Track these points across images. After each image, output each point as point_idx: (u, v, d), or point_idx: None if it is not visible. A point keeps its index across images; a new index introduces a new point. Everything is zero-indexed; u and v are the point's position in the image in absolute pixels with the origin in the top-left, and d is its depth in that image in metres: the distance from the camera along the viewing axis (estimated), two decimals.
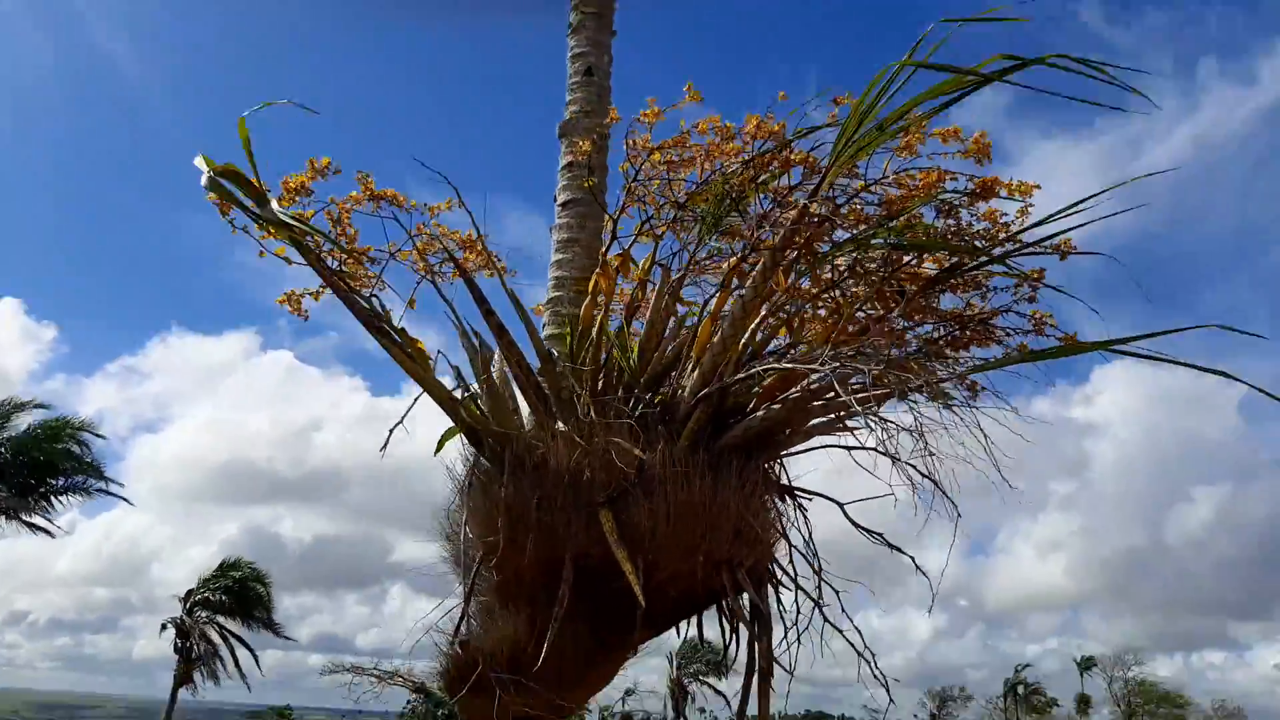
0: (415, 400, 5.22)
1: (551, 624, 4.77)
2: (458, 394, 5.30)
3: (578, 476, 4.93)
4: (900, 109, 4.36)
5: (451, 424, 5.42)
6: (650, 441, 5.02)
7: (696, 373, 5.09)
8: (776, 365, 4.89)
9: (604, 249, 5.43)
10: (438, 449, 5.61)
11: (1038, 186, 4.92)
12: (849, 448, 5.51)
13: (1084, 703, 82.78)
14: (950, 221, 5.07)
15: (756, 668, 5.13)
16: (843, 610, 5.34)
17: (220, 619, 33.81)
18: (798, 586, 5.21)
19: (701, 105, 5.13)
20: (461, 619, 5.07)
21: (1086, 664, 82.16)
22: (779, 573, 5.31)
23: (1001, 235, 5.06)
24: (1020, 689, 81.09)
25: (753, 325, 5.07)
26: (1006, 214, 5.17)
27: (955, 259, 5.22)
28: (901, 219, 4.96)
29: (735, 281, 5.27)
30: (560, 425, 5.17)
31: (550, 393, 5.26)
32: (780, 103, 5.05)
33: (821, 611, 5.30)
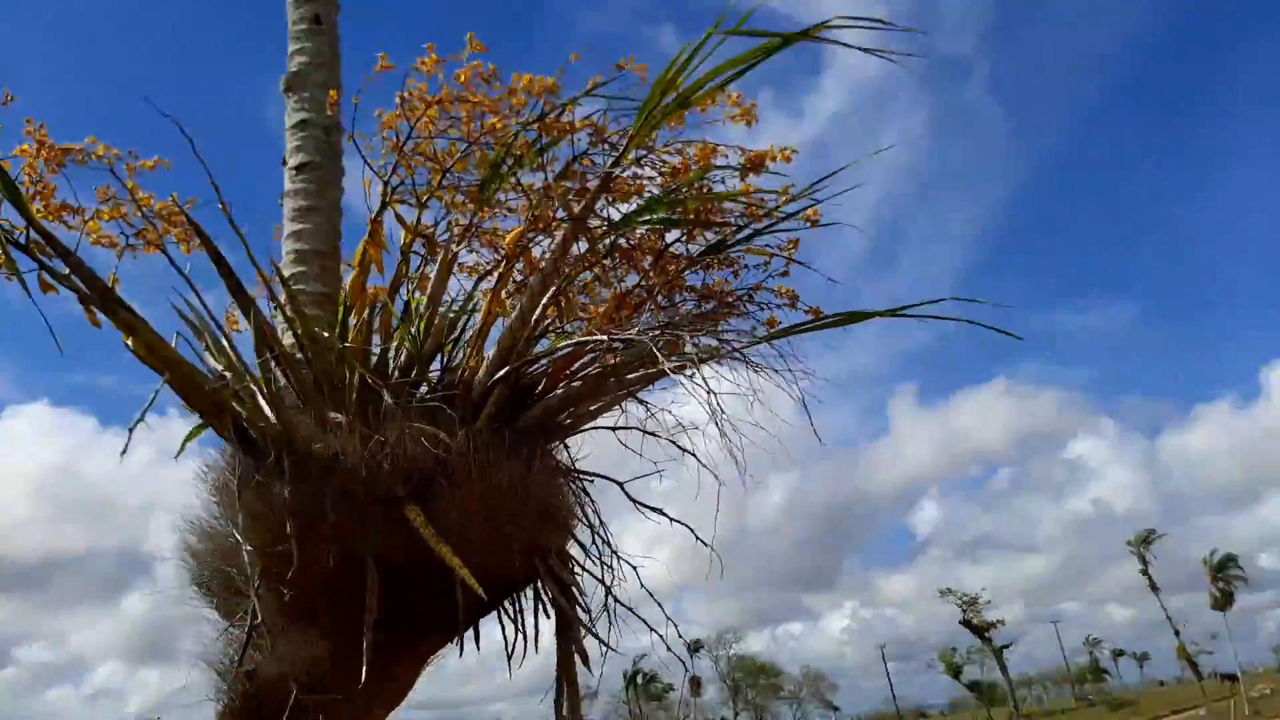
0: (155, 394, 4.32)
1: (365, 632, 4.20)
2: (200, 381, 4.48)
3: (373, 470, 4.37)
4: (703, 78, 4.35)
5: (198, 420, 4.57)
6: (445, 427, 4.59)
7: (493, 350, 4.73)
8: (587, 337, 4.67)
9: (374, 215, 4.85)
10: (180, 450, 4.70)
11: (795, 151, 5.12)
12: (617, 427, 5.47)
13: (695, 684, 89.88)
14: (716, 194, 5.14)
15: (571, 655, 4.91)
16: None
17: None
18: (605, 567, 5.02)
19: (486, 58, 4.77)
20: (245, 645, 4.29)
21: (695, 646, 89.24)
22: (579, 556, 5.09)
23: (761, 210, 5.23)
24: (639, 679, 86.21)
25: (546, 300, 4.81)
26: (762, 189, 5.35)
27: (718, 235, 5.32)
28: (685, 191, 4.96)
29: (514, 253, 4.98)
30: (338, 415, 4.56)
31: (322, 378, 4.62)
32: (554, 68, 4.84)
33: (613, 595, 5.19)
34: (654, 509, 5.46)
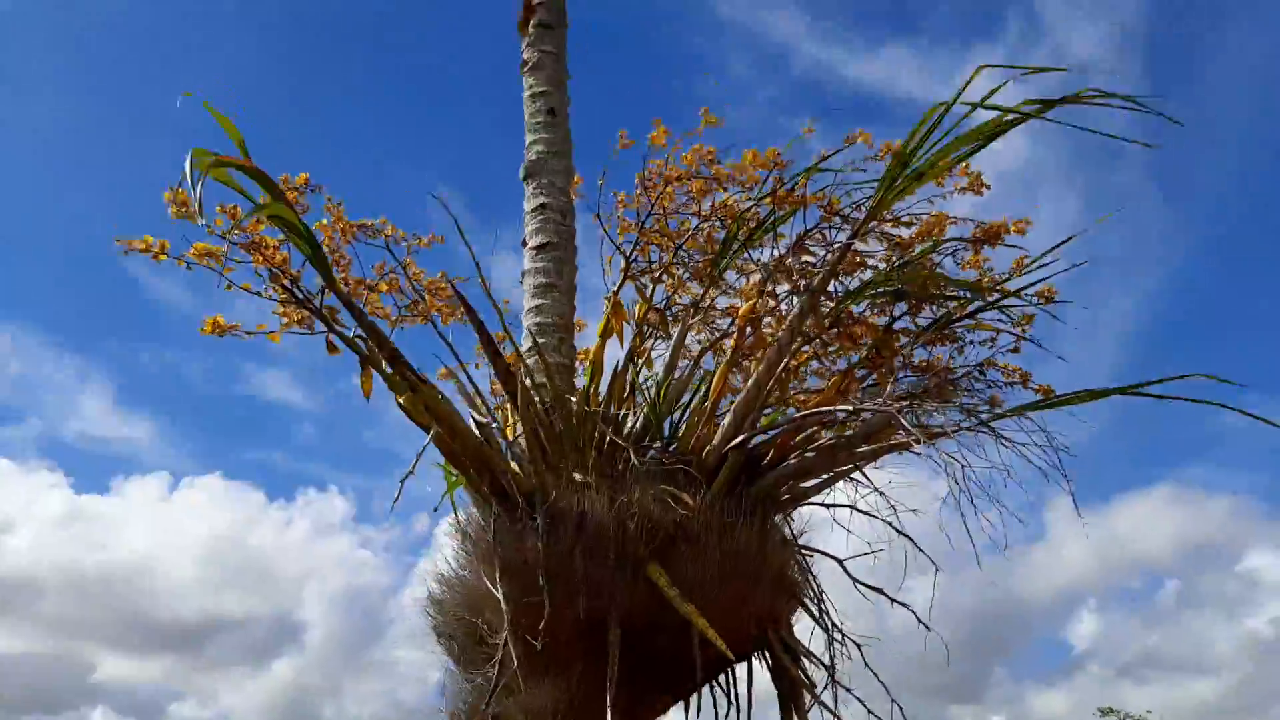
0: (422, 450, 4.64)
1: (609, 686, 4.32)
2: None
3: (619, 529, 4.56)
4: (942, 151, 4.50)
5: (454, 474, 4.87)
6: (683, 490, 4.75)
7: (727, 418, 4.90)
8: (822, 408, 4.79)
9: (616, 289, 5.15)
10: (439, 504, 4.99)
11: (1030, 223, 5.18)
12: (831, 505, 5.51)
13: None
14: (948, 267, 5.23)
15: None
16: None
17: None
18: (831, 641, 5.03)
19: (715, 131, 5.06)
20: (492, 693, 4.47)
21: None
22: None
23: (993, 283, 5.30)
24: None
25: (780, 370, 4.96)
26: (990, 260, 5.40)
27: (943, 311, 5.40)
28: (919, 264, 5.08)
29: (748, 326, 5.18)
30: (583, 475, 4.78)
31: (568, 439, 4.86)
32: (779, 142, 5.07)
33: (834, 678, 5.15)
34: (874, 588, 5.45)
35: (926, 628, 5.33)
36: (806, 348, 5.60)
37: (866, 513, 5.45)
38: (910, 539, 5.42)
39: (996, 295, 5.22)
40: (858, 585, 5.49)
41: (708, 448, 4.93)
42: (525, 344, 5.66)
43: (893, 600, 5.46)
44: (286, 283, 4.54)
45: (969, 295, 5.18)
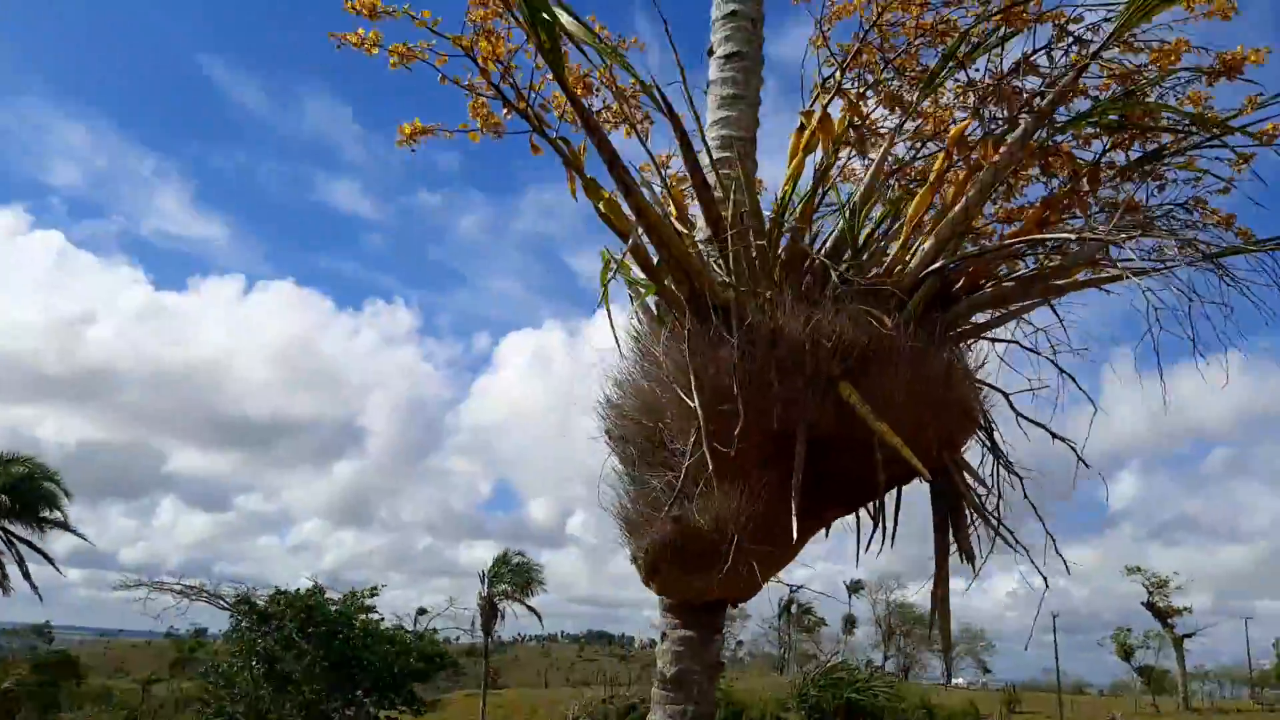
0: (623, 256, 4.64)
1: (794, 496, 4.44)
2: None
3: (815, 345, 4.56)
4: None
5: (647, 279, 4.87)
6: (880, 311, 4.71)
7: (930, 242, 4.79)
8: (1052, 235, 4.65)
9: (826, 102, 4.95)
10: (601, 303, 4.97)
11: (1269, 51, 4.79)
12: (1005, 341, 5.44)
13: (850, 623, 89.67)
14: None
15: (948, 552, 5.05)
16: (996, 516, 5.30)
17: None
18: (1005, 471, 5.07)
19: None
20: (676, 495, 4.62)
21: (854, 588, 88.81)
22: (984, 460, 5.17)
23: (1216, 119, 4.97)
24: (793, 609, 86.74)
25: (989, 194, 4.80)
26: (1213, 97, 5.04)
27: (1160, 143, 5.13)
28: (1141, 94, 4.80)
29: (954, 149, 4.98)
30: (774, 292, 4.76)
31: (764, 253, 4.82)
32: None
33: (999, 507, 5.21)
34: (1038, 424, 5.44)
35: (1085, 465, 5.36)
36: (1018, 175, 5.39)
37: (1032, 349, 5.41)
38: (1072, 378, 5.39)
39: (1216, 131, 4.93)
40: (1021, 420, 5.50)
41: (905, 269, 4.86)
42: (712, 156, 5.53)
43: (1055, 436, 5.47)
44: (498, 78, 4.43)
45: (1190, 128, 4.91)
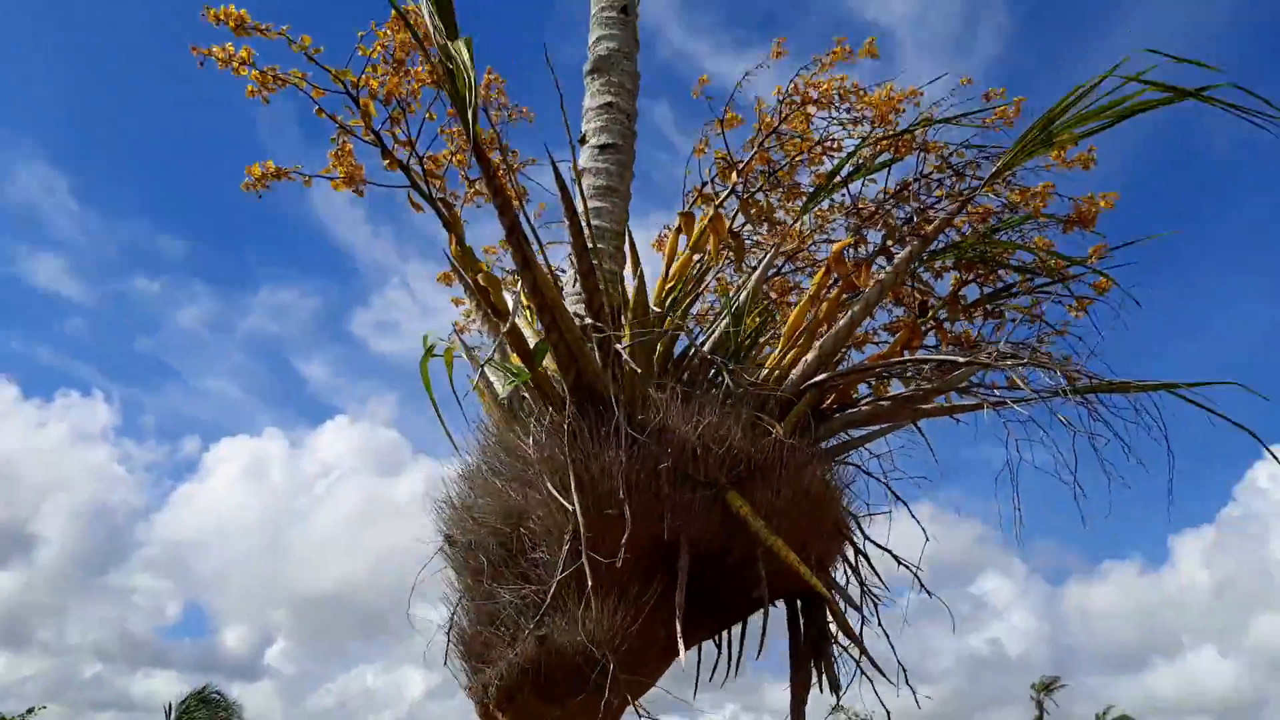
0: (500, 338, 4.17)
1: (678, 612, 4.06)
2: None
3: (705, 450, 4.28)
4: (1087, 115, 4.44)
5: (515, 371, 4.42)
6: (763, 421, 4.52)
7: (813, 354, 4.70)
8: (938, 356, 4.67)
9: (719, 201, 4.83)
10: (507, 393, 4.51)
11: (1118, 197, 5.16)
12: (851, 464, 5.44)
13: None
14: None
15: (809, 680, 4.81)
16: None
17: None
18: (868, 591, 4.94)
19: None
20: (543, 610, 4.09)
21: None
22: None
23: (1062, 266, 5.29)
24: None
25: (872, 312, 4.82)
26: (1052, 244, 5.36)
27: (1005, 281, 5.40)
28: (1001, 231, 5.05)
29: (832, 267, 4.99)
30: (657, 391, 4.46)
31: (643, 351, 4.53)
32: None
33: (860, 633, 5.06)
34: (884, 548, 5.40)
35: (928, 593, 5.35)
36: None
37: (874, 477, 5.42)
38: (905, 504, 5.42)
39: (1059, 277, 5.26)
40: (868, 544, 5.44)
41: (784, 379, 4.72)
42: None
43: (900, 563, 5.44)
44: (382, 121, 3.96)
45: (1035, 271, 5.21)
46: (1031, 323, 5.60)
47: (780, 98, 4.75)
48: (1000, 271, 5.40)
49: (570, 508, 4.08)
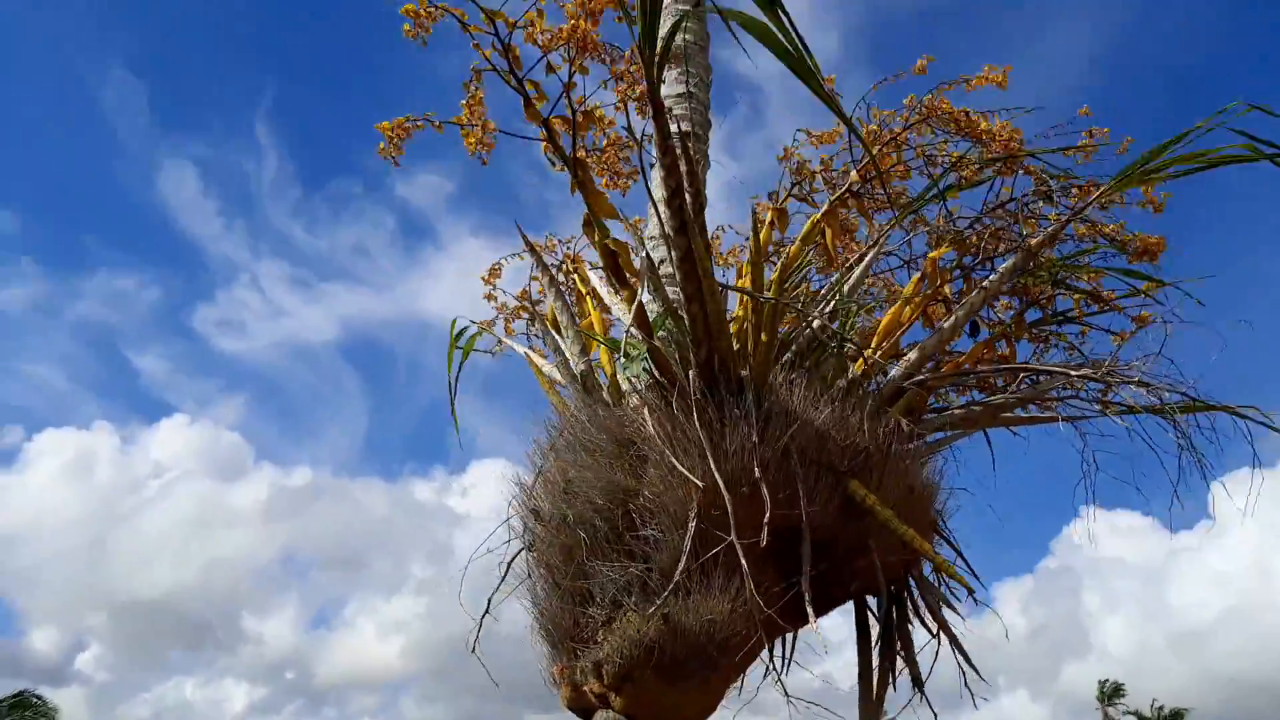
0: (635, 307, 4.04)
1: (806, 594, 3.97)
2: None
3: (828, 438, 4.24)
4: (1184, 157, 4.67)
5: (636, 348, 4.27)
6: (874, 415, 4.52)
7: (914, 353, 4.73)
8: (1047, 367, 4.77)
9: (838, 196, 4.86)
10: (632, 365, 4.32)
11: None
12: None
13: None
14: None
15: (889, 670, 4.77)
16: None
17: None
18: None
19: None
20: (669, 590, 3.91)
21: None
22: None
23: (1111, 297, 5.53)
24: None
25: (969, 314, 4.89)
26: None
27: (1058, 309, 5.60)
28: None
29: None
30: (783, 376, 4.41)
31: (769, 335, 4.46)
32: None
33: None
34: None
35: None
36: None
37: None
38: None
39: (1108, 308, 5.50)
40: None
41: (886, 376, 4.74)
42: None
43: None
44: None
45: (1099, 298, 5.43)
46: (1071, 350, 5.84)
47: (911, 107, 4.85)
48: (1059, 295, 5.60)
49: (700, 485, 3.93)
